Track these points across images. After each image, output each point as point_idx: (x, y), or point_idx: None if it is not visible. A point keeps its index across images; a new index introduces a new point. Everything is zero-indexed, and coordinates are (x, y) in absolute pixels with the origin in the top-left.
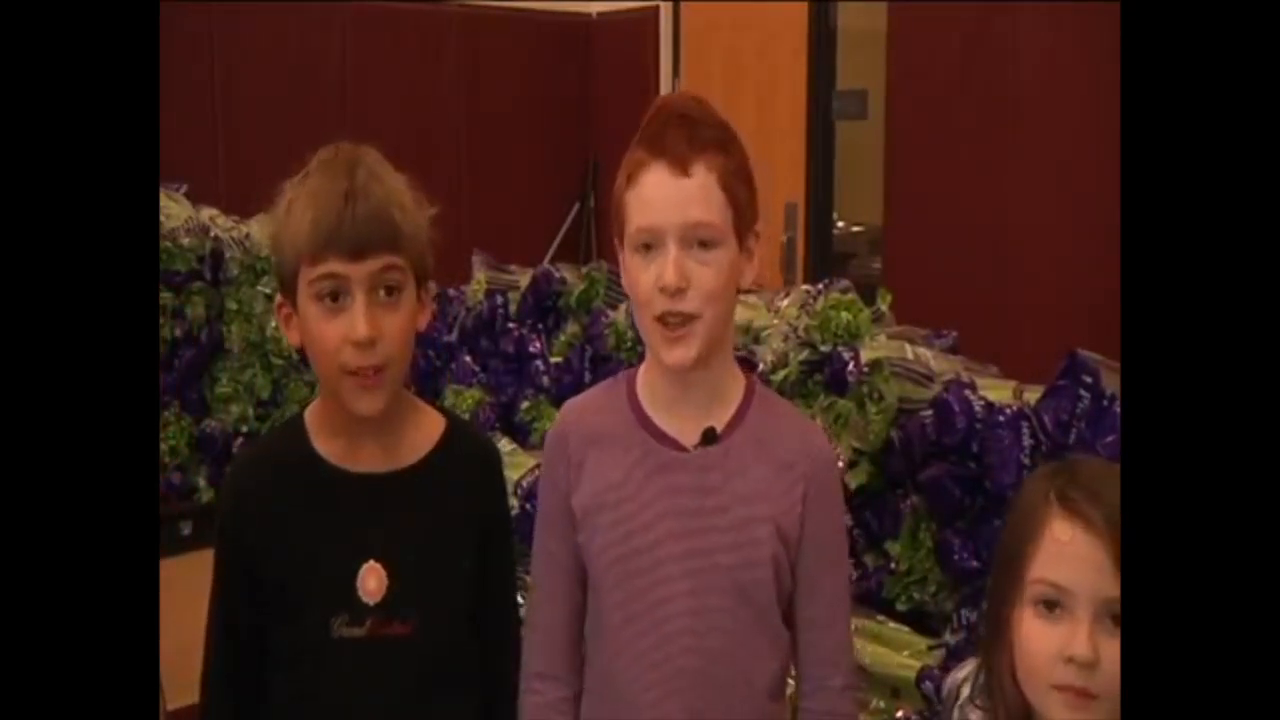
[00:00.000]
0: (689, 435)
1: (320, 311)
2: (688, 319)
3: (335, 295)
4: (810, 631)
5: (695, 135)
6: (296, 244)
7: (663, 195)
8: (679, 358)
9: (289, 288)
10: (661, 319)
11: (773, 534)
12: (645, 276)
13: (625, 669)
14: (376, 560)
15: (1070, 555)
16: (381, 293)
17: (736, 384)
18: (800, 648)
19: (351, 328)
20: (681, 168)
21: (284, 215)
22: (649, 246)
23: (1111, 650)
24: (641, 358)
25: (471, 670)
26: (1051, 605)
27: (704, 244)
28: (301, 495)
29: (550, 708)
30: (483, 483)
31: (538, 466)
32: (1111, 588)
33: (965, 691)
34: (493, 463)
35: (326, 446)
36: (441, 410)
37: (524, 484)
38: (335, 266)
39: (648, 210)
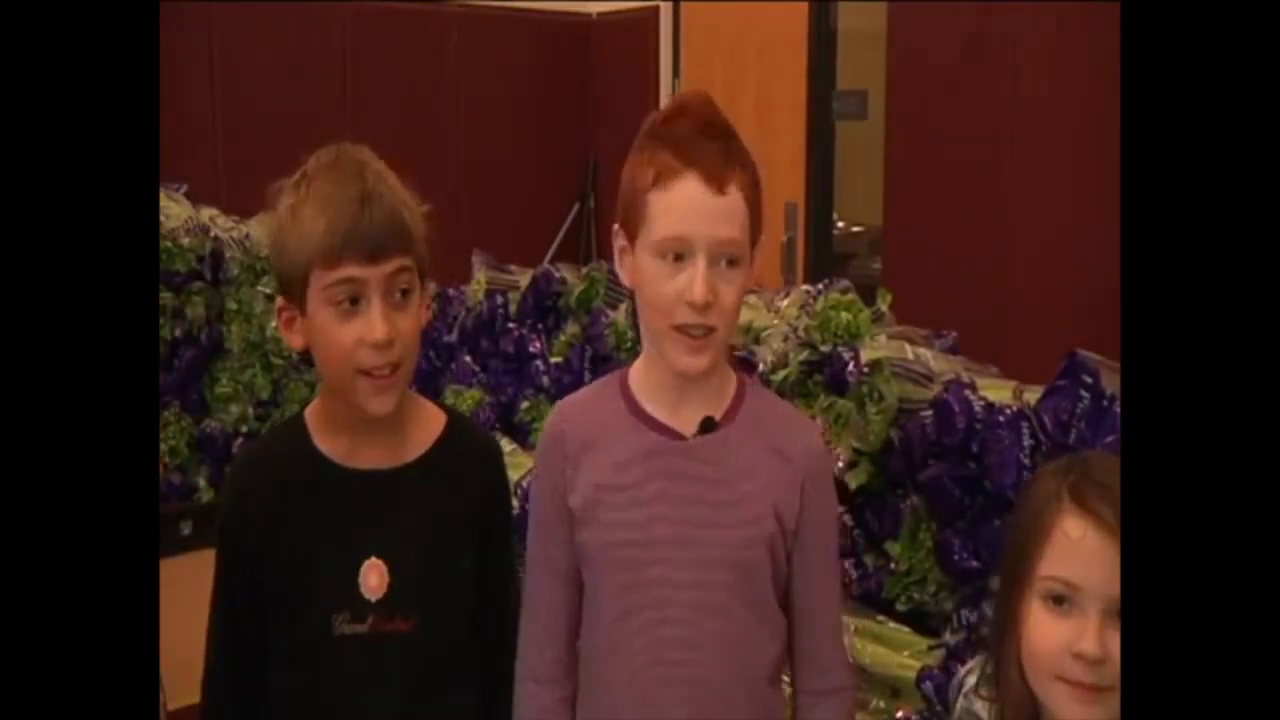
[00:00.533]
0: (687, 426)
1: (335, 315)
2: (706, 331)
3: (354, 299)
4: (805, 623)
5: (729, 150)
6: (307, 248)
7: (697, 208)
8: (694, 365)
9: (295, 292)
10: (681, 328)
11: (771, 518)
12: (670, 286)
13: (623, 661)
14: (378, 557)
15: (1081, 552)
16: (397, 295)
17: (730, 380)
18: (795, 639)
19: (369, 329)
20: (718, 185)
21: (289, 219)
22: (679, 256)
23: (1119, 646)
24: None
25: (472, 668)
26: (1060, 600)
27: (731, 261)
28: (302, 493)
29: (547, 710)
30: (484, 479)
31: None
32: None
33: (970, 681)
34: (494, 459)
35: (327, 445)
36: (442, 407)
37: (524, 485)
38: (353, 270)
39: (680, 220)
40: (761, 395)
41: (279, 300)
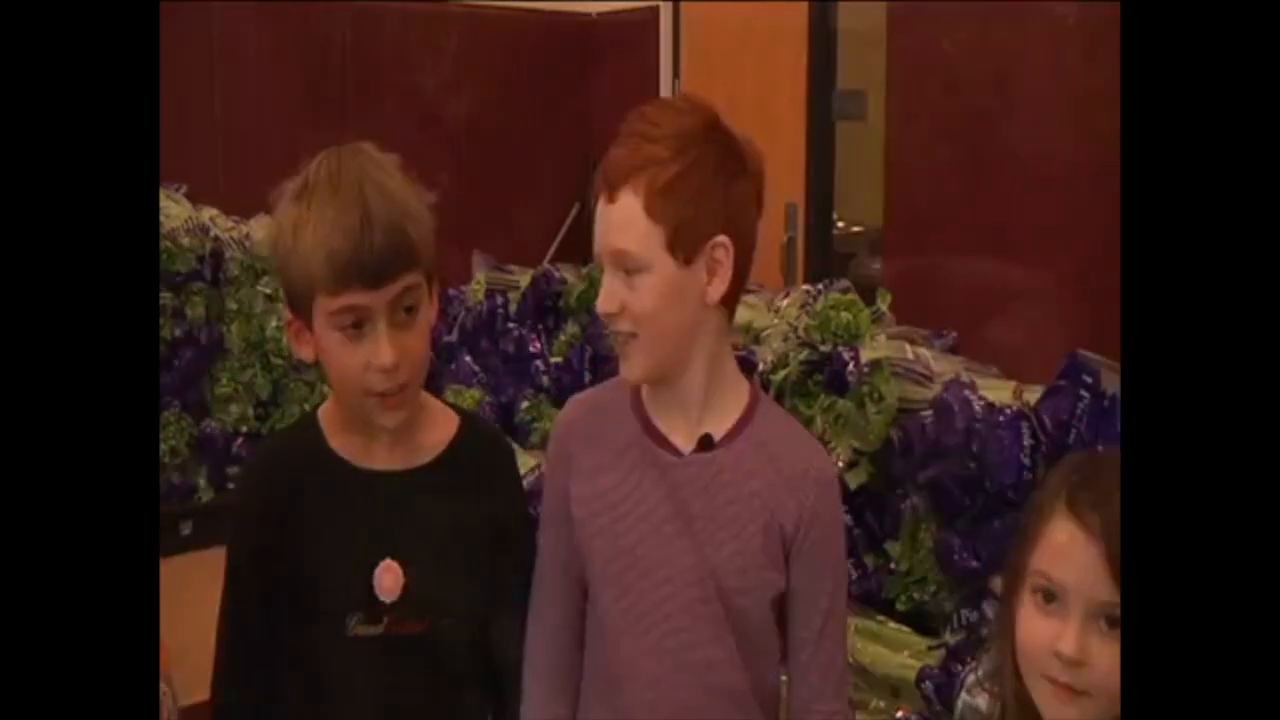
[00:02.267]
0: (686, 441)
1: (341, 339)
2: (628, 337)
3: (358, 324)
4: (802, 651)
5: (633, 155)
6: (310, 273)
7: (599, 223)
8: (626, 373)
9: (302, 311)
10: (613, 336)
11: (770, 538)
12: (598, 300)
13: (621, 672)
14: (393, 558)
15: (1067, 554)
16: (402, 314)
17: (738, 395)
18: (791, 666)
19: (376, 354)
20: (610, 195)
21: (290, 238)
22: (603, 269)
23: (1102, 651)
24: None
25: (487, 668)
26: (1048, 598)
27: (629, 270)
28: (317, 494)
29: (550, 711)
30: (499, 479)
31: (538, 466)
32: (1106, 592)
33: (971, 679)
34: (507, 457)
35: (342, 445)
36: (453, 407)
37: (526, 484)
38: (356, 298)
39: (597, 235)
40: (772, 415)
41: (288, 314)
